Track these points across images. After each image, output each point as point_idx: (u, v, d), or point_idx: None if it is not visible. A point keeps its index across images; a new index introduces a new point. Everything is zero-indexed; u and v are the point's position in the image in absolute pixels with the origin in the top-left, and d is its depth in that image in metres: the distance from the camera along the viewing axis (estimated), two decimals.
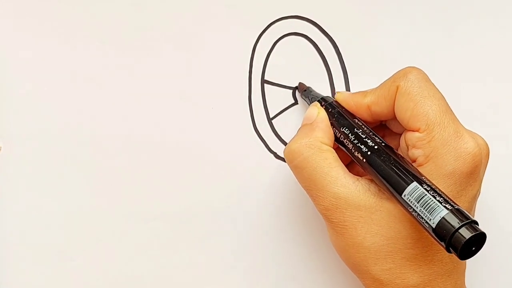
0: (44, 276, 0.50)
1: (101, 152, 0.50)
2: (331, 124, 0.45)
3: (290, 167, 0.45)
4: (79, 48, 0.50)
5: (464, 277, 0.45)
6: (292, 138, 0.45)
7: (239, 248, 0.50)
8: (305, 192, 0.45)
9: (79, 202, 0.50)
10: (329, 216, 0.43)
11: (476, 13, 0.51)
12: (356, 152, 0.43)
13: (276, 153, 0.50)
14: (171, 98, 0.50)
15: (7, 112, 0.50)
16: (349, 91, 0.51)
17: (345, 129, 0.44)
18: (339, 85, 0.50)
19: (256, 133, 0.50)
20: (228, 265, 0.50)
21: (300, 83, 0.50)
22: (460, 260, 0.40)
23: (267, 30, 0.50)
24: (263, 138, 0.50)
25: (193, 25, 0.50)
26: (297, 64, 0.50)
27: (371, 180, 0.43)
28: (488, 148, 0.44)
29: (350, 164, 0.46)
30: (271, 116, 0.51)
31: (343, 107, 0.46)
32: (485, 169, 0.44)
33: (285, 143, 0.51)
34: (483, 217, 0.50)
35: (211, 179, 0.50)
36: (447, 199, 0.38)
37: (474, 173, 0.42)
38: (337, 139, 0.45)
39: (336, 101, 0.47)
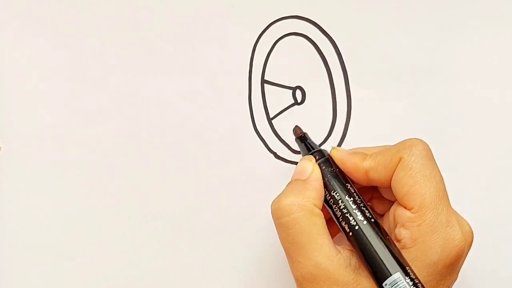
0: (44, 276, 0.50)
1: (101, 152, 0.50)
2: (324, 184, 0.43)
3: (275, 223, 0.42)
4: (79, 48, 0.50)
5: None
6: (282, 193, 0.43)
7: (238, 248, 0.50)
8: (284, 253, 0.43)
9: (79, 202, 0.50)
10: (304, 285, 0.41)
11: (477, 13, 0.51)
12: (343, 222, 0.41)
13: (276, 153, 0.50)
14: (171, 98, 0.50)
15: (7, 112, 0.50)
16: (349, 91, 0.50)
17: (336, 194, 0.42)
18: (339, 85, 0.50)
19: (256, 133, 0.50)
20: (228, 265, 0.50)
21: (296, 126, 0.47)
22: None
23: (267, 30, 0.50)
24: (263, 138, 0.50)
25: (193, 25, 0.50)
26: (297, 64, 0.50)
27: (352, 252, 0.42)
28: (473, 236, 0.43)
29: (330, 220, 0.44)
30: (271, 116, 0.51)
31: (337, 167, 0.44)
32: (465, 258, 0.43)
33: (285, 143, 0.51)
34: (490, 226, 0.50)
35: (211, 179, 0.50)
36: None
37: (455, 264, 0.41)
38: (325, 200, 0.43)
39: (331, 157, 0.44)
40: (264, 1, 0.50)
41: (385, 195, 0.45)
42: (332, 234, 0.43)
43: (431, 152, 0.43)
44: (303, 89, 0.51)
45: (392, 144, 0.44)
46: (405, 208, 0.41)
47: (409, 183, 0.41)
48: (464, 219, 0.43)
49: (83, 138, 0.50)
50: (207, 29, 0.50)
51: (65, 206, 0.50)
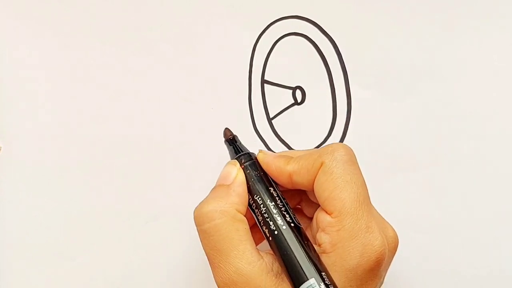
0: (44, 276, 0.50)
1: (101, 152, 0.50)
2: (247, 188, 0.43)
3: (197, 230, 0.42)
4: (79, 48, 0.50)
5: None
6: (205, 199, 0.42)
7: None
8: (207, 259, 0.42)
9: (79, 202, 0.50)
10: None
11: (477, 13, 0.51)
12: (265, 227, 0.41)
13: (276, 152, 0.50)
14: (172, 98, 0.50)
15: (7, 112, 0.50)
16: (349, 91, 0.50)
17: (258, 198, 0.42)
18: (339, 85, 0.50)
19: (256, 133, 0.50)
20: None
21: (226, 129, 0.46)
22: None
23: (267, 30, 0.50)
24: (263, 138, 0.50)
25: (193, 25, 0.50)
26: (297, 64, 0.50)
27: (275, 257, 0.42)
28: (397, 240, 0.43)
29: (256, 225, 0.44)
30: (271, 116, 0.51)
31: (262, 170, 0.43)
32: (391, 261, 0.43)
33: (285, 143, 0.51)
34: (486, 222, 0.50)
35: (212, 178, 0.50)
36: None
37: (376, 269, 0.41)
38: (249, 204, 0.43)
39: (257, 161, 0.44)
40: (264, 1, 0.50)
41: (312, 199, 0.45)
42: (259, 239, 0.43)
43: (355, 157, 0.42)
44: (303, 89, 0.51)
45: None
46: (326, 212, 0.41)
47: (330, 188, 0.41)
48: (389, 224, 0.43)
49: (83, 138, 0.50)
50: (207, 29, 0.50)
51: (65, 206, 0.50)
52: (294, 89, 0.51)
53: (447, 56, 0.51)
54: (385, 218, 0.44)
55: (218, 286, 0.41)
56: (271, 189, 0.43)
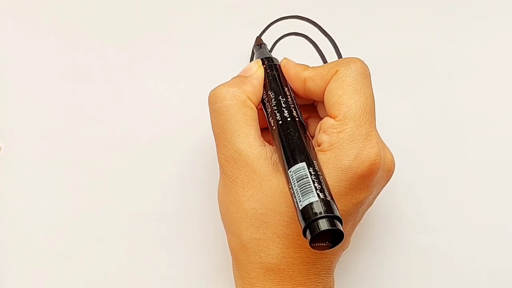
0: (44, 276, 0.50)
1: (101, 152, 0.50)
2: (264, 85, 0.45)
3: (210, 109, 0.44)
4: (79, 48, 0.50)
5: (333, 268, 0.44)
6: (223, 83, 0.45)
7: None
8: (214, 137, 0.44)
9: (79, 202, 0.50)
10: (225, 167, 0.43)
11: (477, 13, 0.51)
12: (271, 118, 0.43)
13: None
14: (172, 98, 0.50)
15: (7, 112, 0.50)
16: None
17: (271, 93, 0.44)
18: None
19: None
20: (228, 265, 0.50)
21: (258, 37, 0.50)
22: (329, 251, 0.41)
23: (267, 30, 0.50)
24: None
25: (193, 25, 0.50)
26: None
27: (276, 149, 0.43)
28: (394, 166, 0.44)
29: (266, 130, 0.46)
30: None
31: (281, 73, 0.46)
32: (383, 186, 0.44)
33: None
34: (486, 215, 0.50)
35: (212, 178, 0.50)
36: (324, 188, 0.38)
37: (367, 179, 0.42)
38: (262, 100, 0.45)
39: (279, 66, 0.46)
40: (264, 1, 0.50)
41: (321, 114, 0.47)
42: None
43: (369, 73, 0.44)
44: None
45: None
46: (331, 117, 0.43)
47: (339, 94, 0.43)
48: (389, 150, 0.44)
49: (83, 138, 0.50)
50: (207, 29, 0.50)
51: (65, 206, 0.50)
52: None
53: (447, 56, 0.51)
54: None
55: (219, 162, 0.43)
56: (286, 88, 0.45)
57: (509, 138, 0.51)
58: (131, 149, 0.50)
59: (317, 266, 0.43)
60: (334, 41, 0.50)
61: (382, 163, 0.42)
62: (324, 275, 0.43)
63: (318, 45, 0.50)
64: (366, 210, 0.45)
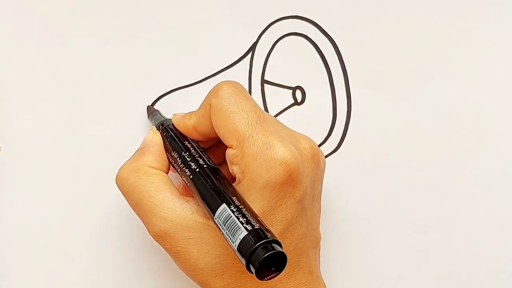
0: (44, 276, 0.50)
1: (101, 152, 0.50)
2: (165, 149, 0.45)
3: (121, 192, 0.44)
4: (79, 48, 0.50)
5: (316, 272, 0.44)
6: (124, 163, 0.45)
7: None
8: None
9: (79, 202, 0.50)
10: (162, 242, 0.43)
11: (477, 13, 0.51)
12: (183, 176, 0.43)
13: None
14: (171, 98, 0.50)
15: (7, 112, 0.50)
16: (349, 91, 0.50)
17: (174, 153, 0.44)
18: (339, 85, 0.50)
19: None
20: None
21: (148, 106, 0.50)
22: (303, 259, 0.42)
23: (267, 30, 0.50)
24: None
25: (193, 25, 0.50)
26: (297, 64, 0.50)
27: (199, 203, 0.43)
28: (315, 148, 0.44)
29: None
30: None
31: (178, 130, 0.46)
32: (317, 170, 0.44)
33: None
34: (482, 212, 0.50)
35: None
36: (250, 219, 0.38)
37: (290, 180, 0.41)
38: (171, 164, 0.45)
39: (173, 124, 0.47)
40: (264, 1, 0.50)
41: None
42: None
43: (240, 88, 0.44)
44: (303, 89, 0.51)
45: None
46: (229, 147, 0.43)
47: (222, 124, 0.43)
48: (303, 136, 0.44)
49: (84, 138, 0.50)
50: (207, 29, 0.50)
51: (65, 206, 0.50)
52: (294, 89, 0.51)
53: (447, 56, 0.51)
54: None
55: (155, 240, 0.43)
56: (186, 142, 0.45)
57: (510, 138, 0.51)
58: (132, 149, 0.50)
59: (294, 278, 0.43)
60: (334, 41, 0.50)
61: (297, 156, 0.42)
62: (304, 283, 0.43)
63: (318, 45, 0.50)
64: (319, 196, 0.45)
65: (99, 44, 0.50)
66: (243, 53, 0.50)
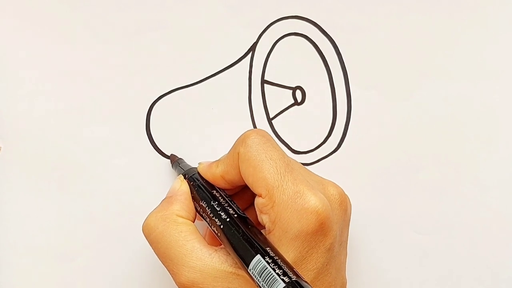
0: (44, 276, 0.50)
1: (101, 152, 0.50)
2: (193, 198, 0.45)
3: (147, 241, 0.44)
4: (79, 48, 0.50)
5: None
6: (151, 212, 0.45)
7: None
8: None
9: (79, 202, 0.50)
10: None
11: (477, 13, 0.51)
12: (213, 225, 0.43)
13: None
14: (172, 98, 0.50)
15: (7, 112, 0.50)
16: (349, 91, 0.50)
17: (203, 203, 0.44)
18: (339, 85, 0.50)
19: None
20: None
21: (171, 154, 0.50)
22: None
23: (267, 30, 0.50)
24: None
25: (193, 25, 0.50)
26: (297, 64, 0.50)
27: (229, 252, 0.43)
28: (343, 195, 0.44)
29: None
30: (271, 116, 0.51)
31: (204, 179, 0.46)
32: (345, 216, 0.44)
33: (285, 143, 0.51)
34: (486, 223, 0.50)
35: None
36: (287, 270, 0.38)
37: (322, 229, 0.41)
38: (199, 213, 0.45)
39: (199, 173, 0.46)
40: (264, 1, 0.50)
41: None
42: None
43: (267, 136, 0.44)
44: (303, 89, 0.51)
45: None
46: (258, 195, 0.42)
47: (250, 172, 0.42)
48: (330, 182, 0.44)
49: (84, 138, 0.50)
50: (207, 29, 0.50)
51: (65, 206, 0.50)
52: (294, 89, 0.51)
53: (447, 56, 0.51)
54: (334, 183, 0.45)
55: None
56: (214, 191, 0.45)
57: (510, 138, 0.51)
58: (132, 149, 0.50)
59: None
60: (334, 41, 0.50)
61: (327, 205, 0.42)
62: None
63: (318, 45, 0.50)
64: (346, 242, 0.45)
65: (99, 44, 0.50)
66: (243, 53, 0.50)
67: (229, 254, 0.42)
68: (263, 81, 0.51)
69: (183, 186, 0.46)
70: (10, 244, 0.50)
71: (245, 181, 0.43)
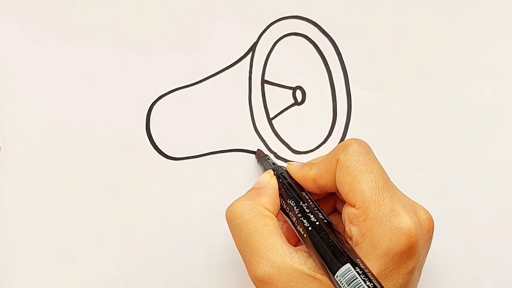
0: (44, 276, 0.50)
1: (101, 152, 0.50)
2: (280, 194, 0.45)
3: (229, 226, 0.44)
4: (79, 48, 0.50)
5: None
6: (238, 198, 0.44)
7: None
8: (241, 257, 0.43)
9: (79, 202, 0.50)
10: (261, 286, 0.42)
11: (477, 13, 0.51)
12: (299, 226, 0.43)
13: (276, 153, 0.50)
14: (172, 98, 0.50)
15: (7, 112, 0.50)
16: (349, 91, 0.50)
17: (291, 201, 0.44)
18: (339, 85, 0.50)
19: (256, 133, 0.50)
20: (228, 264, 0.50)
21: (258, 149, 0.50)
22: None
23: (267, 30, 0.50)
24: (263, 138, 0.50)
25: (193, 25, 0.50)
26: (297, 64, 0.50)
27: (309, 254, 0.42)
28: (432, 221, 0.43)
29: (293, 237, 0.46)
30: (271, 116, 0.51)
31: (293, 179, 0.46)
32: (429, 243, 0.44)
33: (285, 143, 0.51)
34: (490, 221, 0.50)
35: (212, 178, 0.50)
36: (377, 285, 0.38)
37: (409, 251, 0.41)
38: (283, 210, 0.45)
39: (287, 172, 0.46)
40: (264, 1, 0.50)
41: (342, 198, 0.45)
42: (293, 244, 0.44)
43: (369, 148, 0.44)
44: (303, 89, 0.51)
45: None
46: (351, 205, 0.42)
47: (348, 181, 0.42)
48: (421, 207, 0.44)
49: (84, 138, 0.50)
50: (207, 29, 0.50)
51: (65, 206, 0.50)
52: (294, 89, 0.51)
53: (447, 56, 0.51)
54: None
55: (253, 282, 0.42)
56: (303, 193, 0.44)
57: (510, 138, 0.51)
58: (132, 149, 0.50)
59: None
60: (334, 41, 0.50)
61: (419, 229, 0.41)
62: None
63: (318, 45, 0.50)
64: (423, 266, 0.44)
65: (99, 44, 0.50)
66: (243, 53, 0.50)
67: (310, 256, 0.42)
68: (263, 81, 0.51)
69: (273, 181, 0.45)
70: (10, 243, 0.50)
71: (339, 189, 0.43)
